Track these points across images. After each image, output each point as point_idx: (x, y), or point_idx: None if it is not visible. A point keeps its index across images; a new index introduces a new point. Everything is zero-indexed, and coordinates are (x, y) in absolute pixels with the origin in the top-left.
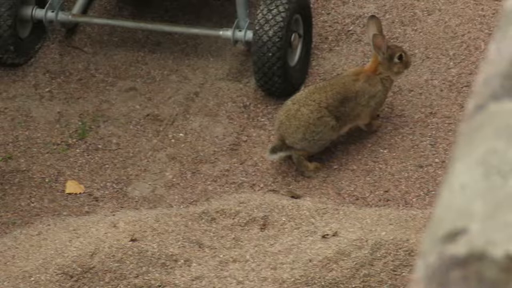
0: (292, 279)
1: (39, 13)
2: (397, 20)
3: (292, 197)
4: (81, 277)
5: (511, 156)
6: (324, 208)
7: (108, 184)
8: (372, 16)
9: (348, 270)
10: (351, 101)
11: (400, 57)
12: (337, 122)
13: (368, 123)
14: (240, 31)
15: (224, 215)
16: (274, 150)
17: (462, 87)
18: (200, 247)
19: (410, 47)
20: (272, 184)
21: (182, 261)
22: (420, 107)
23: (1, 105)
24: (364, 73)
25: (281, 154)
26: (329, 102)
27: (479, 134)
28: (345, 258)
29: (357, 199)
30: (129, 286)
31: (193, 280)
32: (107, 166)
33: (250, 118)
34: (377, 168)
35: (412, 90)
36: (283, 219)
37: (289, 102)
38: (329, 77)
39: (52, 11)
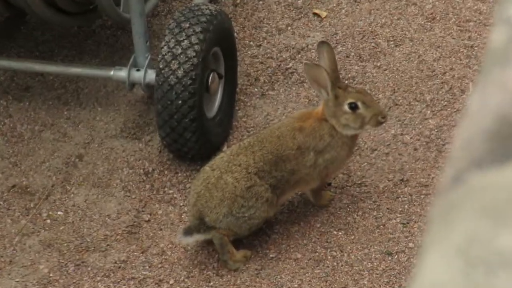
0: None
1: None
2: (353, 54)
3: None
4: None
5: (499, 245)
6: None
7: None
8: (323, 43)
9: None
10: (289, 162)
11: (352, 106)
12: (273, 193)
13: (316, 192)
14: (138, 70)
15: None
16: (189, 232)
17: (443, 145)
18: None
19: (372, 90)
20: (186, 280)
21: None
22: (387, 172)
23: None
24: (313, 118)
25: (199, 237)
26: (259, 166)
27: (458, 213)
28: None
29: None
30: None
31: None
32: None
33: (154, 189)
34: (329, 257)
35: (375, 149)
36: None
37: (207, 168)
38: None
39: None
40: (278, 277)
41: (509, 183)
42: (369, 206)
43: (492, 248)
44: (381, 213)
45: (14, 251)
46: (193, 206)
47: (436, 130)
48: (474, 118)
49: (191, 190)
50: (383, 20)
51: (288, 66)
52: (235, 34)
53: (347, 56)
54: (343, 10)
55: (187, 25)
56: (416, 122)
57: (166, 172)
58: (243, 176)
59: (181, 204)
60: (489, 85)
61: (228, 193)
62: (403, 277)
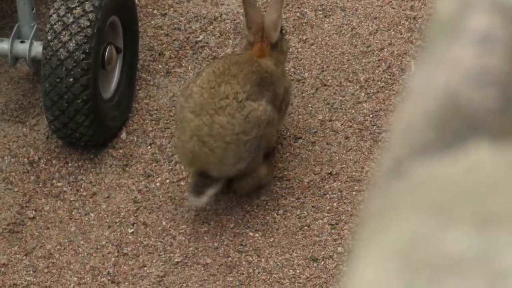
0: None
1: None
2: None
3: None
4: None
5: (446, 247)
6: None
7: None
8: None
9: None
10: (271, 84)
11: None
12: (272, 110)
13: (267, 167)
14: (22, 42)
15: None
16: (199, 190)
17: (379, 133)
18: None
19: (296, 67)
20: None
21: None
22: (313, 164)
23: None
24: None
25: (213, 191)
26: (248, 89)
27: (397, 211)
28: None
29: None
30: None
31: None
32: None
33: (40, 181)
34: (244, 262)
35: (299, 138)
36: None
37: (188, 114)
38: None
39: None
40: (184, 285)
41: (457, 174)
42: (292, 204)
43: (438, 250)
44: (305, 212)
45: None
46: (189, 166)
47: (371, 116)
48: (416, 99)
49: (178, 148)
50: None
51: (198, 39)
52: (136, 0)
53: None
54: None
55: None
56: (348, 106)
57: (54, 162)
58: (236, 108)
59: (72, 199)
60: (434, 62)
61: (228, 137)
62: (330, 287)
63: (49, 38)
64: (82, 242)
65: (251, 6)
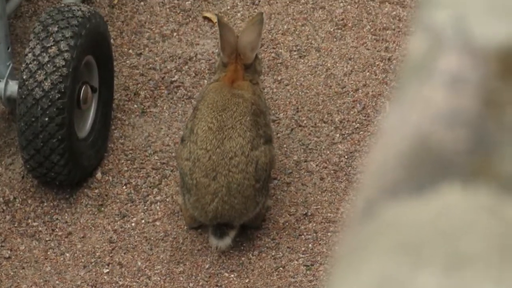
0: None
1: None
2: None
3: None
4: None
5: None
6: None
7: None
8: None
9: None
10: (261, 117)
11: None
12: (270, 145)
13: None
14: None
15: None
16: (222, 232)
17: (354, 174)
18: None
19: (272, 108)
20: None
21: None
22: (288, 205)
23: None
24: (236, 82)
25: (234, 234)
26: (248, 136)
27: (369, 252)
28: None
29: None
30: None
31: None
32: None
33: (16, 221)
34: None
35: (275, 178)
36: None
37: (202, 179)
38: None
39: None
40: None
41: (428, 215)
42: (267, 245)
43: None
44: (280, 253)
45: None
46: (210, 222)
47: (346, 157)
48: (388, 139)
49: (195, 208)
50: (285, 27)
51: (173, 79)
52: (111, 40)
53: None
54: (239, 14)
55: (56, 28)
56: (323, 147)
57: (29, 201)
58: (246, 162)
59: (47, 238)
60: (406, 102)
61: (246, 190)
62: None
63: (24, 77)
64: (57, 282)
65: (226, 28)
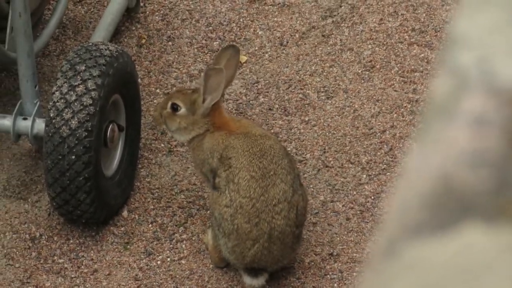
0: None
1: None
2: (277, 106)
3: None
4: None
5: None
6: None
7: None
8: (229, 47)
9: None
10: (288, 157)
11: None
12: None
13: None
14: (25, 119)
15: None
16: (256, 271)
17: (380, 215)
18: None
19: (298, 148)
20: None
21: None
22: (314, 245)
23: None
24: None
25: (268, 274)
26: (289, 180)
27: None
28: None
29: None
30: None
31: None
32: None
33: (41, 258)
34: None
35: None
36: None
37: (244, 225)
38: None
39: None
40: None
41: (450, 254)
42: (293, 284)
43: None
44: None
45: None
46: (247, 265)
47: (372, 198)
48: (411, 179)
49: (233, 253)
50: (313, 68)
51: None
52: (139, 79)
53: (270, 109)
54: (267, 55)
55: (83, 67)
56: (350, 188)
57: (55, 238)
58: (288, 209)
59: (73, 275)
60: (430, 143)
61: (287, 237)
62: None
63: (51, 115)
64: None
65: (215, 71)
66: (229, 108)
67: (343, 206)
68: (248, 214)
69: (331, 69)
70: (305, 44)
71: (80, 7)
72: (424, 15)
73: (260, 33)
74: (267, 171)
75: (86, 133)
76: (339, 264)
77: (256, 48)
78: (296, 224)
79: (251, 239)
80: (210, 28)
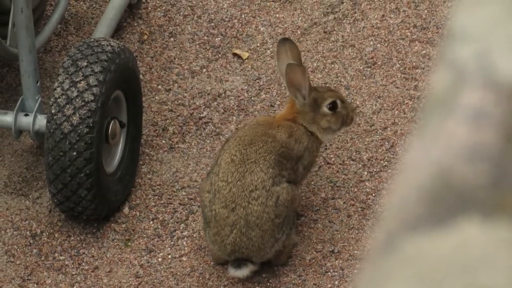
0: None
1: None
2: (278, 103)
3: None
4: None
5: None
6: None
7: None
8: (285, 40)
9: None
10: (287, 160)
11: (332, 106)
12: (293, 187)
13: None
14: (26, 115)
15: None
16: (240, 263)
17: (381, 212)
18: None
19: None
20: None
21: None
22: (315, 242)
23: None
24: (279, 122)
25: (252, 267)
26: (270, 173)
27: (388, 283)
28: None
29: None
30: None
31: None
32: None
33: (42, 255)
34: None
35: (302, 215)
36: None
37: (220, 210)
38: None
39: None
40: None
41: (448, 248)
42: (293, 281)
43: None
44: None
45: None
46: (229, 257)
47: (373, 195)
48: (410, 174)
49: (214, 242)
50: (314, 64)
51: (202, 115)
52: (140, 75)
53: (271, 105)
54: (268, 51)
55: (85, 63)
56: (351, 185)
57: (56, 235)
58: (265, 196)
59: (73, 272)
60: (429, 137)
61: (264, 224)
62: None
63: (53, 111)
64: None
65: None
66: (231, 105)
67: (344, 203)
68: (224, 198)
69: (332, 65)
70: (306, 40)
71: (82, 2)
72: (426, 11)
73: (262, 29)
74: (248, 158)
75: (88, 129)
76: (340, 261)
77: (258, 44)
78: (275, 213)
79: (228, 225)
80: (212, 24)
